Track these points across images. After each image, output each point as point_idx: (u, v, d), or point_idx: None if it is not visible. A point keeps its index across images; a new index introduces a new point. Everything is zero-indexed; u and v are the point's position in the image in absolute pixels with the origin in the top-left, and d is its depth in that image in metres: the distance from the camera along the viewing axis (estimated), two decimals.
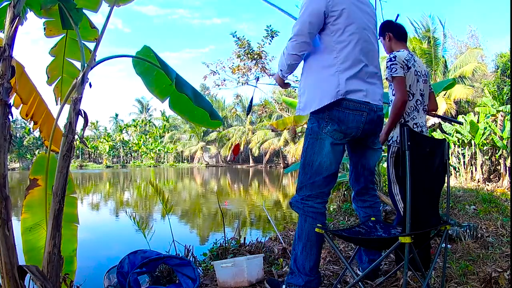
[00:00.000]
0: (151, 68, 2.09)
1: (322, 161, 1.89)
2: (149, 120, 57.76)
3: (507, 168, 9.55)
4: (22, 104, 2.09)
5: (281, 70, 2.01)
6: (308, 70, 1.98)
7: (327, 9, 1.85)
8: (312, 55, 1.97)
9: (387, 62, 2.39)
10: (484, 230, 3.44)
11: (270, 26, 10.12)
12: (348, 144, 2.10)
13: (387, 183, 6.38)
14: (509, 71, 11.76)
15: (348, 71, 1.85)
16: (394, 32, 2.55)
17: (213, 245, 3.02)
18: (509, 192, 7.45)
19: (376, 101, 1.94)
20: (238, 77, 11.47)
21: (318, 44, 1.94)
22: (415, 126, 2.38)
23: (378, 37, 2.70)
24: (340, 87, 1.83)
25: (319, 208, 1.91)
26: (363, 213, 2.16)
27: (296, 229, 1.98)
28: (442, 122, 12.76)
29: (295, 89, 17.78)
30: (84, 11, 2.01)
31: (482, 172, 10.51)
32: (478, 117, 10.88)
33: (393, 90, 2.36)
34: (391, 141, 2.35)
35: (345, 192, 5.81)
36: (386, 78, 2.40)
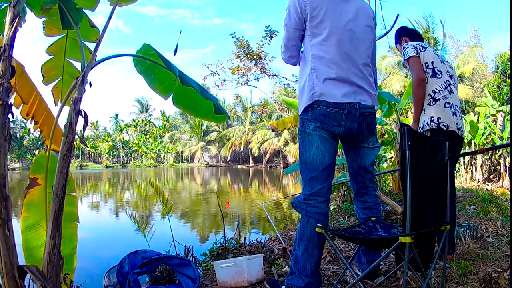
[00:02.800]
0: (152, 66, 2.08)
1: (314, 156, 1.91)
2: (149, 120, 57.76)
3: (507, 168, 9.55)
4: (22, 104, 2.09)
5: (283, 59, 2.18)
6: (299, 69, 2.09)
7: (303, 10, 1.90)
8: (302, 59, 2.06)
9: (402, 50, 2.48)
10: (484, 230, 3.44)
11: (269, 26, 10.13)
12: (343, 144, 2.11)
13: (387, 182, 6.41)
14: (509, 71, 11.76)
15: (325, 73, 1.88)
16: (408, 35, 2.61)
17: (213, 245, 3.02)
18: (509, 192, 7.45)
19: (359, 100, 1.91)
20: (238, 78, 11.48)
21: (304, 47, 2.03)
22: (447, 105, 2.34)
23: (394, 44, 2.78)
24: (315, 89, 1.88)
25: (321, 208, 1.90)
26: (363, 214, 2.12)
27: (298, 229, 1.97)
28: None
29: (295, 90, 17.80)
30: (85, 11, 2.01)
31: (482, 172, 10.51)
32: (478, 117, 10.88)
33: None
34: (420, 130, 2.32)
35: (345, 192, 5.81)
36: (404, 66, 2.47)
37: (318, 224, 1.83)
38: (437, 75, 2.38)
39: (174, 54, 1.93)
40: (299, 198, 1.97)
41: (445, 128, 2.35)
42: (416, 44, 2.44)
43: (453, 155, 2.51)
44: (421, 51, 2.42)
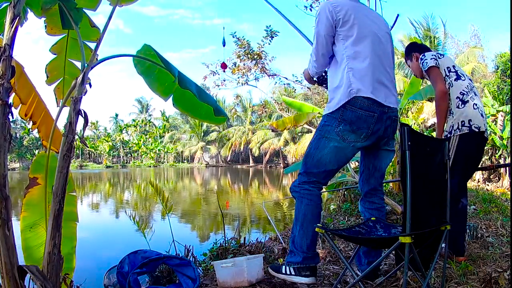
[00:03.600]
0: (152, 66, 2.08)
1: (322, 157, 1.98)
2: (149, 120, 57.76)
3: (507, 168, 9.55)
4: (21, 104, 2.09)
5: (310, 70, 2.21)
6: (329, 72, 2.15)
7: (335, 17, 1.97)
8: (333, 62, 2.10)
9: (419, 62, 2.48)
10: (484, 230, 3.44)
11: (269, 26, 10.11)
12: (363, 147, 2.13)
13: (386, 182, 6.40)
14: (509, 71, 11.76)
15: (361, 72, 1.93)
16: (418, 50, 2.61)
17: (213, 245, 3.02)
18: (509, 192, 7.45)
19: (388, 103, 1.96)
20: (238, 77, 11.46)
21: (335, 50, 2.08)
22: (475, 107, 2.32)
23: (405, 60, 2.80)
24: (352, 86, 1.91)
25: (314, 191, 2.01)
26: (369, 215, 2.14)
27: (294, 212, 2.08)
28: None
29: (295, 90, 17.79)
30: (86, 11, 2.01)
31: (482, 172, 10.51)
32: None
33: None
34: (447, 133, 2.31)
35: (345, 192, 5.80)
36: (424, 77, 2.48)
37: (318, 224, 1.86)
38: (461, 78, 2.38)
39: (224, 46, 2.04)
40: (295, 183, 2.08)
41: (477, 130, 2.32)
42: (433, 54, 2.45)
43: (480, 157, 2.50)
44: (439, 58, 2.43)
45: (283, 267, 2.00)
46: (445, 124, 2.40)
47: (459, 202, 2.38)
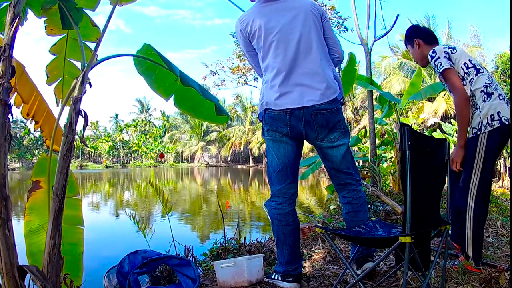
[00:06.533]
0: (153, 66, 2.07)
1: (272, 159, 2.10)
2: (149, 120, 57.75)
3: (507, 168, 9.55)
4: (23, 104, 2.09)
5: None
6: None
7: (245, 34, 2.12)
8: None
9: (431, 62, 2.26)
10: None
11: None
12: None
13: (387, 182, 6.40)
14: (509, 71, 11.75)
15: (269, 84, 2.05)
16: (422, 36, 2.38)
17: (213, 245, 3.01)
18: (509, 192, 7.45)
19: (305, 103, 1.98)
20: (238, 78, 11.47)
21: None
22: (500, 97, 2.14)
23: (405, 46, 2.56)
24: (264, 98, 2.07)
25: (281, 209, 2.07)
26: (344, 209, 2.19)
27: None
28: (441, 122, 12.75)
29: None
30: (86, 10, 2.01)
31: None
32: None
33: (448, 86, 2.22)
34: (477, 131, 2.14)
35: None
36: (439, 78, 2.29)
37: (318, 224, 1.87)
38: (481, 71, 2.18)
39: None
40: (268, 199, 2.17)
41: (507, 123, 2.10)
42: (445, 49, 2.20)
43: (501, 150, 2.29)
44: (452, 54, 2.20)
45: (273, 273, 2.16)
46: (471, 122, 2.19)
47: (485, 202, 2.23)
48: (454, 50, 2.23)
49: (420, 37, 2.39)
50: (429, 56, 2.27)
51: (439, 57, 2.19)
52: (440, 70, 2.18)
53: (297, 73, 2.00)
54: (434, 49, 2.23)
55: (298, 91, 1.99)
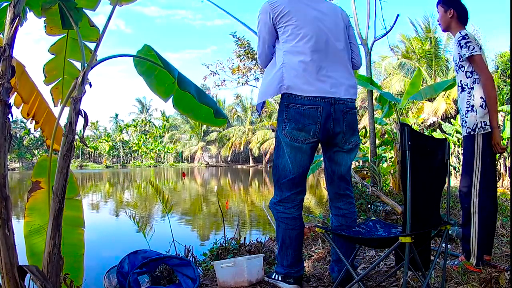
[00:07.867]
0: (153, 67, 2.07)
1: (286, 164, 1.95)
2: (149, 120, 57.76)
3: (507, 168, 9.55)
4: (23, 104, 2.09)
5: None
6: (266, 69, 2.11)
7: (272, 15, 1.95)
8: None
9: (459, 40, 2.27)
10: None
11: None
12: (322, 146, 2.09)
13: (387, 182, 6.41)
14: (509, 71, 11.76)
15: (295, 68, 1.88)
16: (458, 10, 2.38)
17: (213, 245, 3.02)
18: (509, 192, 7.45)
19: (335, 94, 1.89)
20: (238, 78, 11.46)
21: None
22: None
23: (436, 5, 2.47)
24: (284, 81, 1.89)
25: (290, 213, 1.99)
26: (336, 222, 2.09)
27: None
28: (442, 122, 12.75)
29: None
30: (86, 11, 2.01)
31: None
32: None
33: (470, 72, 2.25)
34: (470, 131, 2.21)
35: None
36: (462, 59, 2.28)
37: (318, 224, 1.86)
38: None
39: (259, 115, 2.11)
40: (272, 200, 2.06)
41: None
42: (474, 37, 2.27)
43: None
44: (480, 49, 2.26)
45: (274, 273, 2.13)
46: (466, 121, 2.27)
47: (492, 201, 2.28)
48: (480, 48, 2.29)
49: (458, 10, 2.39)
50: (460, 36, 2.29)
51: (471, 41, 2.24)
52: (474, 54, 2.22)
53: (329, 64, 1.91)
54: (467, 33, 2.26)
55: (330, 82, 1.89)
